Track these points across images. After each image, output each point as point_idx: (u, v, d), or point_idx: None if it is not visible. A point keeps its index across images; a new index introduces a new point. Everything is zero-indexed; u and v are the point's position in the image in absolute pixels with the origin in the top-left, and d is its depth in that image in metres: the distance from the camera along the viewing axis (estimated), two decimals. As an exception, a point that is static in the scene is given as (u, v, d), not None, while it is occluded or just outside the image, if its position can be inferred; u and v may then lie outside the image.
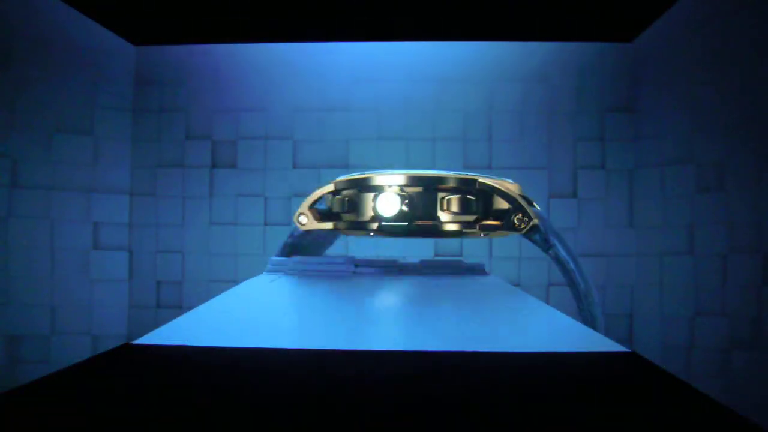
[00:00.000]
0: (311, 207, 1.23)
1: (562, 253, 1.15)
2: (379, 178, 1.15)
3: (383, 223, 1.14)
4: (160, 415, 0.44)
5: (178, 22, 2.17)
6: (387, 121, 2.36)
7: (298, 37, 2.34)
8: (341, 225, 1.23)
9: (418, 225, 1.12)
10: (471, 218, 1.14)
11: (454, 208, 1.12)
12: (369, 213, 1.15)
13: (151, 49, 2.39)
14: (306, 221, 1.23)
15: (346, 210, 1.20)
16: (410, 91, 2.36)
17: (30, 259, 1.86)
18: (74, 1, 1.97)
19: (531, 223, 1.13)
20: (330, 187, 1.23)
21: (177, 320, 0.81)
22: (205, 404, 0.48)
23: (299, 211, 1.24)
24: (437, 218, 1.13)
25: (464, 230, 1.14)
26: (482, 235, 1.16)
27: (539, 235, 1.15)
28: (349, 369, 0.57)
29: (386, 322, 0.80)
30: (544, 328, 0.79)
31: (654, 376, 0.58)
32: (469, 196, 1.12)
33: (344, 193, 1.22)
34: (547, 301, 2.15)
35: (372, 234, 1.14)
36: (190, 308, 0.92)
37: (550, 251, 1.16)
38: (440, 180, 1.13)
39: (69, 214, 2.00)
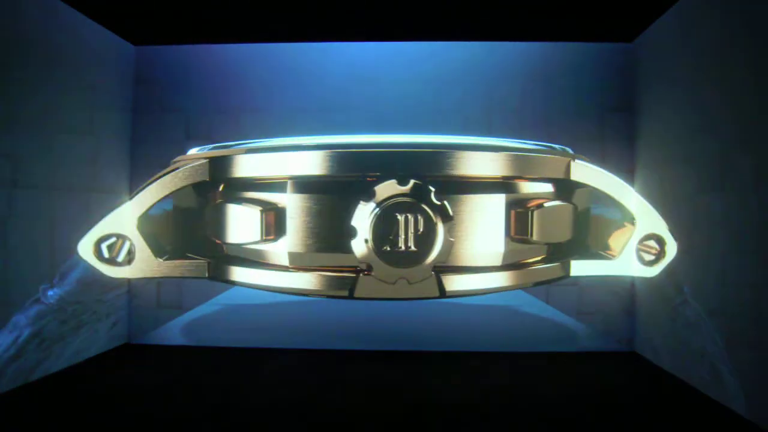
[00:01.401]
0: (144, 219, 0.51)
1: (697, 310, 0.57)
2: (353, 160, 0.45)
3: (376, 274, 0.46)
4: (160, 415, 0.44)
5: (178, 22, 2.18)
6: (387, 121, 2.36)
7: (298, 37, 2.34)
8: (246, 275, 0.51)
9: (451, 278, 0.46)
10: (542, 247, 0.54)
11: (541, 231, 0.51)
12: (327, 244, 0.47)
13: (151, 49, 2.39)
14: (126, 257, 0.51)
15: (266, 237, 0.50)
16: (410, 91, 2.36)
17: (30, 259, 1.85)
18: (74, 1, 1.97)
19: (672, 254, 0.55)
20: (197, 173, 0.51)
21: (177, 320, 0.81)
22: (205, 403, 0.48)
23: (107, 228, 0.49)
24: (504, 254, 0.49)
25: (547, 278, 0.54)
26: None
27: (671, 283, 0.55)
28: (348, 369, 0.57)
29: (385, 321, 0.80)
30: (544, 328, 0.79)
31: (654, 376, 0.58)
32: (561, 201, 0.53)
33: (246, 192, 0.51)
34: (547, 302, 2.15)
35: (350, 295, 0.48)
36: (190, 308, 0.92)
37: (681, 306, 0.58)
38: (504, 163, 0.45)
39: (69, 214, 1.99)
